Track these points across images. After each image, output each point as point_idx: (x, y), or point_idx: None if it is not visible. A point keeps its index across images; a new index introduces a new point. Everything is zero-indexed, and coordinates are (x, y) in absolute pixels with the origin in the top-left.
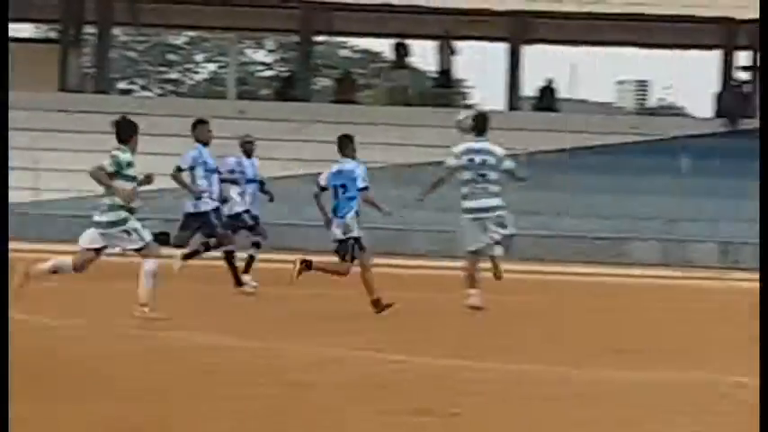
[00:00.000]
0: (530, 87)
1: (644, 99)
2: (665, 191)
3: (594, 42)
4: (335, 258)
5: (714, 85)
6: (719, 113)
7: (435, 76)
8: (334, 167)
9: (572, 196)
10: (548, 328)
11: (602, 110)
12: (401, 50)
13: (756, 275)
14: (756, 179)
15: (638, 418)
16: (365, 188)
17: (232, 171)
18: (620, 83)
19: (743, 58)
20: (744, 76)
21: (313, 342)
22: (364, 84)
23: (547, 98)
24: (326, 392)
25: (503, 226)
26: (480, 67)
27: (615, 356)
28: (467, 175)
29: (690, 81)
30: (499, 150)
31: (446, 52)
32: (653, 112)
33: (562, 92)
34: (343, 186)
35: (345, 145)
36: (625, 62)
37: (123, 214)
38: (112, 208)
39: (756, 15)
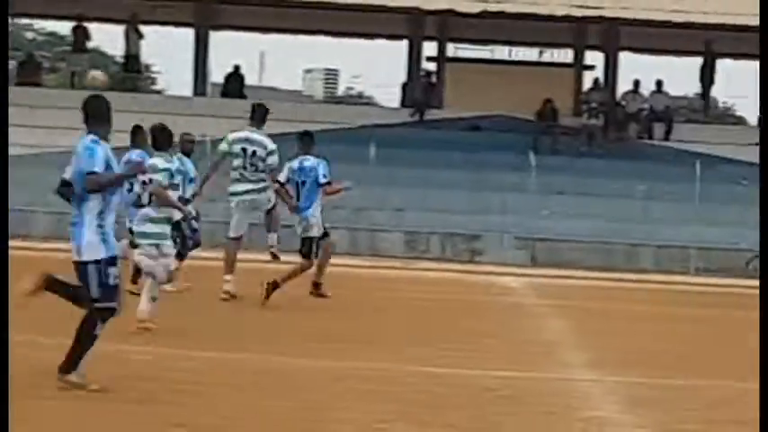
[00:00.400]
0: (218, 74)
1: (332, 88)
2: (353, 180)
3: (283, 30)
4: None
5: (401, 75)
6: (406, 103)
7: (122, 60)
8: (295, 163)
9: None
10: (250, 316)
11: (290, 98)
12: (81, 34)
13: (442, 265)
14: (444, 168)
15: (327, 404)
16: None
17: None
18: (309, 71)
19: (429, 48)
20: (430, 66)
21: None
22: (49, 67)
23: (234, 85)
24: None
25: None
26: (167, 52)
27: (314, 346)
28: (237, 162)
29: (378, 70)
30: (270, 145)
31: (133, 37)
32: (341, 100)
33: (250, 79)
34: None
35: (306, 143)
36: (314, 50)
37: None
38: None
39: (444, 6)
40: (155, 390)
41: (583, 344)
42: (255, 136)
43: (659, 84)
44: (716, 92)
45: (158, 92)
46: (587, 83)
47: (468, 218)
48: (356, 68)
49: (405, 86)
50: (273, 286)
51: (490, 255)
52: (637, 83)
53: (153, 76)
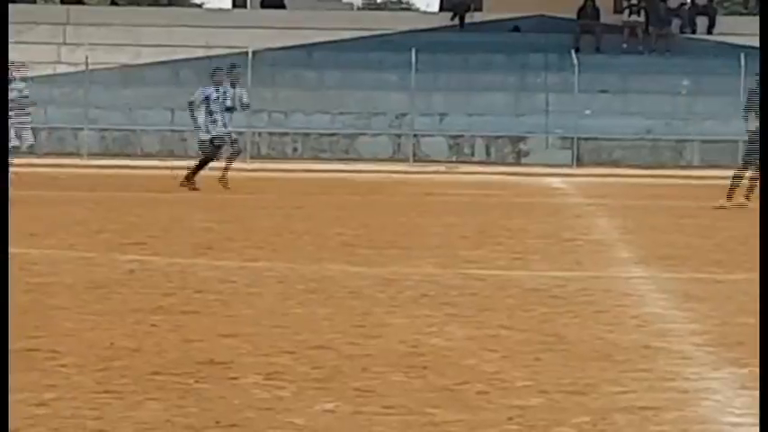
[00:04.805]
0: None
1: None
2: (394, 86)
3: None
4: None
5: None
6: (445, 7)
7: None
8: None
9: (301, 93)
10: (281, 224)
11: (331, 6)
12: None
13: (487, 168)
14: (485, 71)
15: (371, 310)
16: None
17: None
18: None
19: None
20: None
21: (47, 245)
22: None
23: None
24: (59, 292)
25: None
26: None
27: (348, 251)
28: None
29: None
30: None
31: None
32: (380, 6)
33: None
34: None
35: None
36: None
37: None
38: None
39: None
40: (175, 298)
41: (631, 241)
42: None
43: None
44: None
45: (198, 5)
46: None
47: (511, 120)
48: None
49: None
50: None
51: (535, 156)
52: None
53: None
